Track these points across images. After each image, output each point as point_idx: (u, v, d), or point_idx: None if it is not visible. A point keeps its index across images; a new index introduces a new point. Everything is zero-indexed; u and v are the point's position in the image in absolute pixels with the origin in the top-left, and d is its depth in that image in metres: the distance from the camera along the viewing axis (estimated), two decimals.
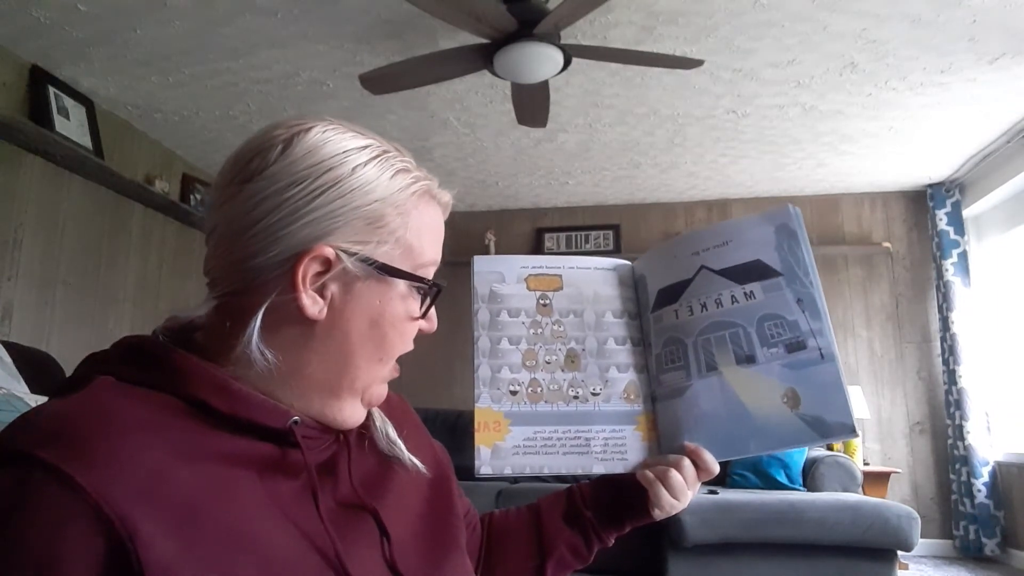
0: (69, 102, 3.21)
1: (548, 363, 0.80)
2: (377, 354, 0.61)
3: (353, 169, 0.58)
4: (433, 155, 4.14)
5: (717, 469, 0.76)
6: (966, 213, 4.29)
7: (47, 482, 0.44)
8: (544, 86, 2.80)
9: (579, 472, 0.78)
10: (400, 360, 0.66)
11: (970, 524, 3.95)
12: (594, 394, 0.80)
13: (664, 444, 0.79)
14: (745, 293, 0.77)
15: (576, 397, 0.79)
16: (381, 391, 0.65)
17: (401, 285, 0.61)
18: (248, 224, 0.56)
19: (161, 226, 3.93)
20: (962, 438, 4.03)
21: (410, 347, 0.65)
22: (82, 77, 3.21)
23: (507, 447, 0.76)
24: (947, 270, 4.21)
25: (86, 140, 3.25)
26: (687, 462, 0.75)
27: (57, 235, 3.23)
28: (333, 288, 0.57)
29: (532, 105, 2.98)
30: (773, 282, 0.77)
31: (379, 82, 2.78)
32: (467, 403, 4.63)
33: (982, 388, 4.05)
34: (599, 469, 0.78)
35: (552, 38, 2.47)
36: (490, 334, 0.79)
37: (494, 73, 2.63)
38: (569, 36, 2.73)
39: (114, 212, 3.59)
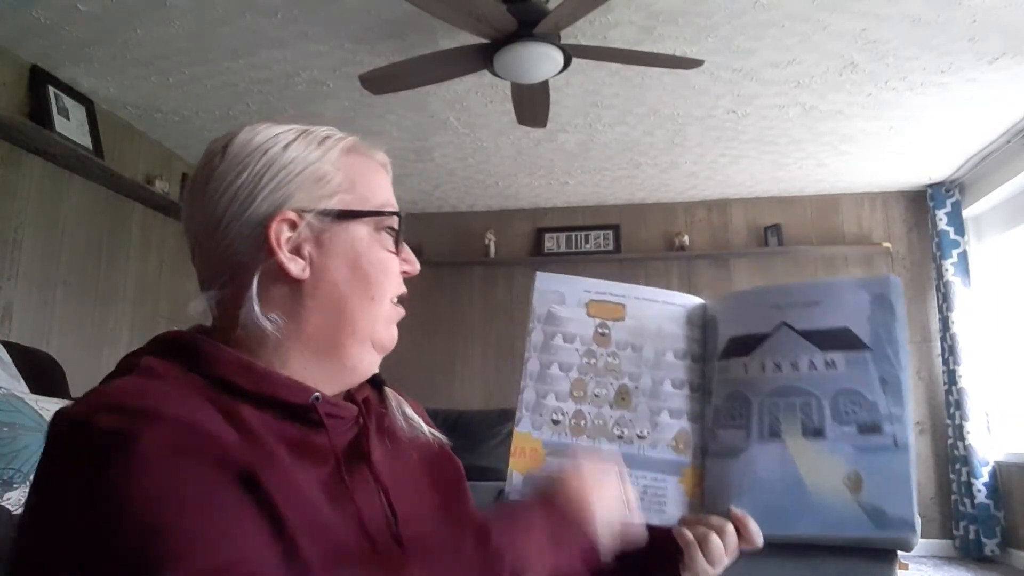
0: (69, 102, 3.21)
1: (597, 396, 0.77)
2: (368, 293, 0.66)
3: (285, 146, 0.65)
4: (433, 155, 4.14)
5: (761, 542, 0.71)
6: (966, 213, 4.28)
7: (138, 418, 0.49)
8: (544, 86, 2.80)
9: None
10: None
11: (970, 524, 3.94)
12: (640, 437, 0.76)
13: (708, 503, 0.74)
14: (826, 361, 0.72)
15: (620, 437, 0.76)
16: (390, 333, 0.69)
17: (367, 227, 0.66)
18: (216, 220, 0.63)
19: (161, 226, 3.93)
20: (962, 438, 4.03)
21: (401, 287, 0.70)
22: (82, 77, 3.21)
23: (540, 477, 0.74)
24: (947, 270, 4.21)
25: (86, 140, 3.25)
26: (731, 528, 0.71)
27: (57, 235, 3.22)
28: (308, 248, 0.64)
29: (532, 105, 2.98)
30: (859, 355, 0.71)
31: (379, 82, 2.78)
32: (467, 403, 4.66)
33: (982, 388, 4.05)
34: (633, 516, 0.73)
35: (552, 38, 2.47)
36: (541, 357, 0.77)
37: (494, 73, 2.63)
38: (569, 36, 2.73)
39: (114, 212, 3.59)
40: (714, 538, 0.70)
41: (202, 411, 0.53)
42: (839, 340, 0.72)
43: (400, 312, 0.70)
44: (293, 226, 0.63)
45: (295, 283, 0.63)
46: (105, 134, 3.41)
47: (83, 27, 2.80)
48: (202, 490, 0.49)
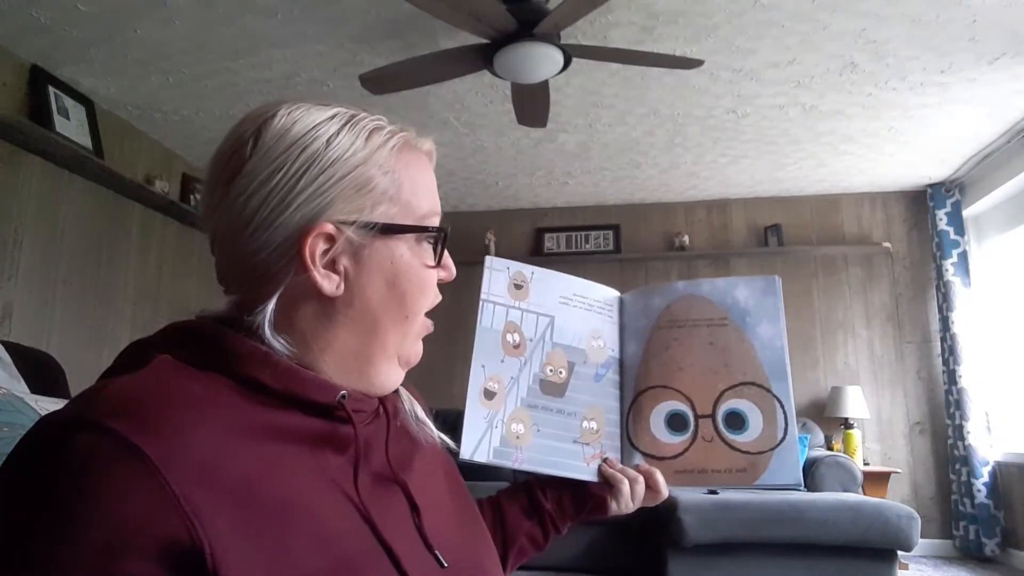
0: (69, 102, 3.21)
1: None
2: (402, 312, 0.62)
3: (327, 141, 0.58)
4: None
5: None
6: (966, 213, 4.29)
7: (117, 453, 0.44)
8: (544, 86, 2.80)
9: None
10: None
11: (970, 524, 3.95)
12: None
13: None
14: None
15: None
16: (416, 349, 0.66)
17: (408, 240, 0.61)
18: (244, 223, 0.57)
19: (161, 226, 3.93)
20: (962, 438, 4.03)
21: (437, 298, 0.66)
22: (82, 77, 3.21)
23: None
24: (947, 270, 4.21)
25: (86, 140, 3.25)
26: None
27: (57, 235, 3.22)
28: (344, 261, 0.58)
29: (532, 105, 2.98)
30: None
31: (379, 82, 2.78)
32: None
33: (982, 388, 4.05)
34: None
35: (552, 38, 2.47)
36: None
37: (494, 73, 2.63)
38: (569, 36, 2.73)
39: (114, 212, 3.59)
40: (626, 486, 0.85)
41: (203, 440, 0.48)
42: None
43: (428, 326, 0.66)
44: (329, 238, 0.57)
45: (327, 299, 0.58)
46: (105, 134, 3.41)
47: (83, 27, 2.80)
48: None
